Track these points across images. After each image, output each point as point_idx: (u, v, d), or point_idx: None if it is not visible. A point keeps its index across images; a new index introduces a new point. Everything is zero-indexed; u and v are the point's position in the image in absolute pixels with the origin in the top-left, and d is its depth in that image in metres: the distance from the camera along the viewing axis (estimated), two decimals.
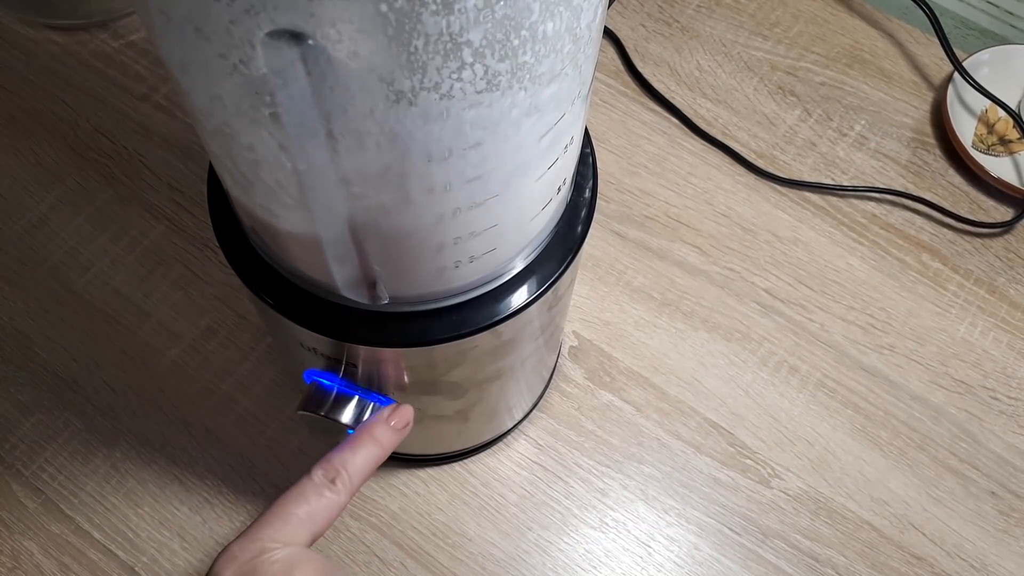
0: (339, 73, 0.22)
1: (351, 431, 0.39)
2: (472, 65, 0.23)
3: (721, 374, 0.58)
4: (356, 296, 0.34)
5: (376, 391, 0.40)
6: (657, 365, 0.58)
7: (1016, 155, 0.66)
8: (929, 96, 0.69)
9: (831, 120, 0.67)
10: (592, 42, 0.27)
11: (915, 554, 0.54)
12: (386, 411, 0.39)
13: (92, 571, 0.52)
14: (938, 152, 0.67)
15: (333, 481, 0.36)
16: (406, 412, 0.39)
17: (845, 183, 0.65)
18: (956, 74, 0.65)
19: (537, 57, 0.24)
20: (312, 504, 0.35)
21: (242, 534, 0.35)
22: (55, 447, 0.55)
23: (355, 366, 0.39)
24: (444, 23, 0.21)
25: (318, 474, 0.36)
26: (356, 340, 0.35)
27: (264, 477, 0.54)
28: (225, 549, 0.35)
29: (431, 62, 0.22)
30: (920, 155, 0.66)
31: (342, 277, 0.33)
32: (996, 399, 0.58)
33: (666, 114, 0.67)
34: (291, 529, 0.34)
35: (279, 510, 0.35)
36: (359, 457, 0.37)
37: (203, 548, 0.53)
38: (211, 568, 0.34)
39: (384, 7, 0.20)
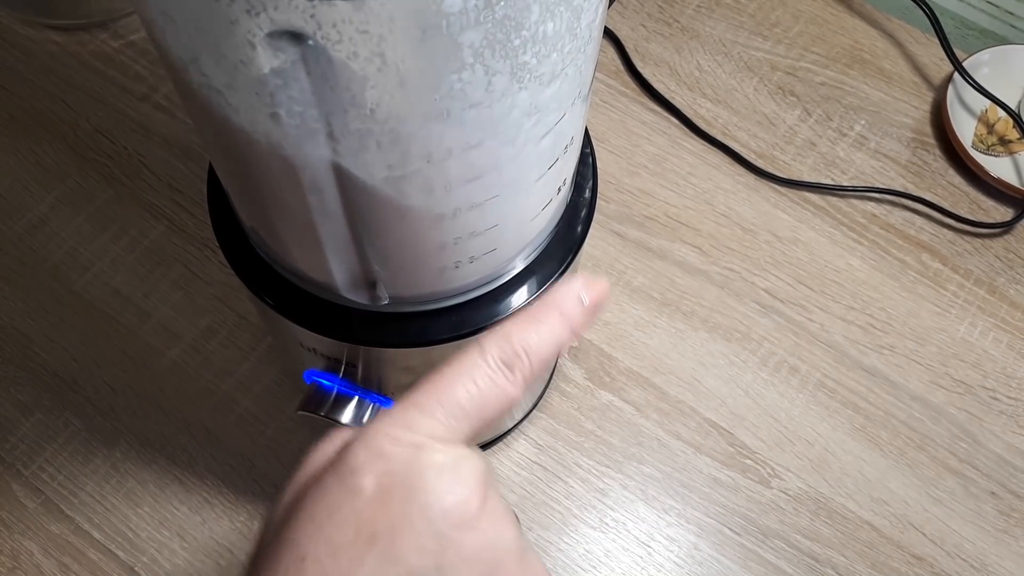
0: (339, 73, 0.22)
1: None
2: (472, 65, 0.23)
3: (721, 374, 0.58)
4: (356, 296, 0.34)
5: (376, 391, 0.40)
6: (657, 365, 0.58)
7: (1016, 155, 0.66)
8: (929, 96, 0.69)
9: (831, 120, 0.67)
10: (592, 42, 0.27)
11: (915, 554, 0.54)
12: (577, 283, 0.28)
13: (92, 571, 0.52)
14: (938, 152, 0.67)
15: (511, 366, 0.26)
16: (602, 286, 0.29)
17: (845, 183, 0.65)
18: (956, 74, 0.65)
19: (537, 57, 0.24)
20: (482, 389, 0.26)
21: (391, 419, 0.25)
22: (55, 447, 0.55)
23: (355, 366, 0.39)
24: (444, 23, 0.21)
25: (493, 351, 0.26)
26: (356, 340, 0.35)
27: (264, 477, 0.54)
28: (364, 436, 0.25)
29: (432, 62, 0.22)
30: (920, 155, 0.66)
31: (342, 277, 0.33)
32: (996, 399, 0.58)
33: (666, 114, 0.67)
34: (454, 422, 0.26)
35: (439, 392, 0.26)
36: (544, 338, 0.27)
37: (203, 548, 0.53)
38: (342, 457, 0.25)
39: (384, 7, 0.20)
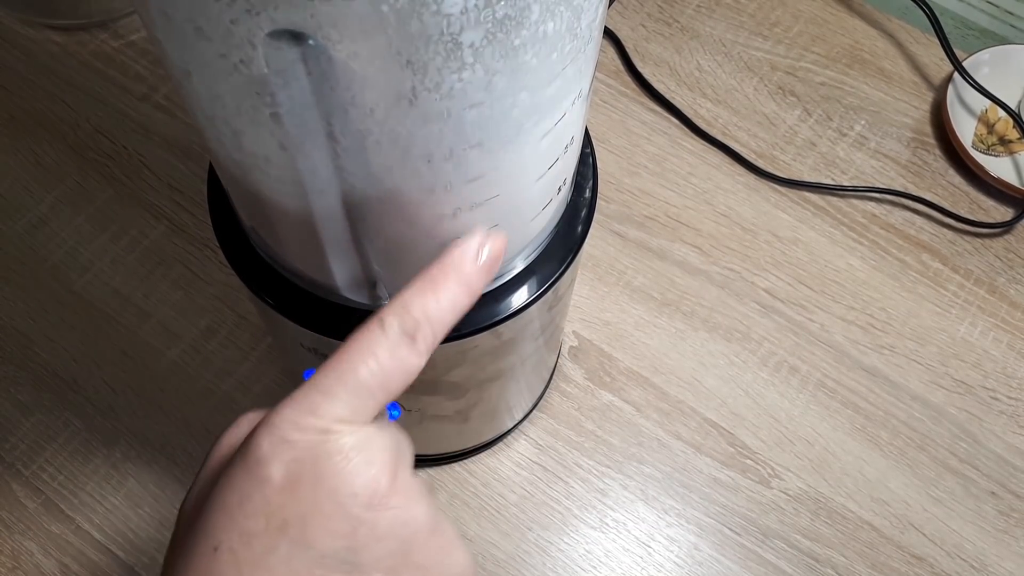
0: (339, 73, 0.22)
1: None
2: (473, 65, 0.23)
3: (721, 374, 0.58)
4: (356, 296, 0.34)
5: None
6: (657, 365, 0.58)
7: (1016, 155, 0.66)
8: (929, 96, 0.69)
9: (831, 120, 0.67)
10: (592, 42, 0.27)
11: (915, 554, 0.54)
12: (474, 241, 0.28)
13: (92, 571, 0.52)
14: (938, 152, 0.67)
15: (413, 336, 0.26)
16: (500, 241, 0.28)
17: (845, 183, 0.65)
18: (956, 74, 0.65)
19: (538, 57, 0.24)
20: (384, 365, 0.25)
21: (294, 404, 0.26)
22: (55, 447, 0.55)
23: None
24: (444, 23, 0.21)
25: (393, 324, 0.26)
26: None
27: None
28: (268, 424, 0.25)
29: (432, 62, 0.22)
30: (920, 155, 0.66)
31: (342, 277, 0.33)
32: (996, 399, 0.58)
33: (666, 114, 0.67)
34: (358, 401, 0.25)
35: (342, 373, 0.25)
36: (444, 304, 0.27)
37: None
38: (248, 446, 0.25)
39: (385, 7, 0.20)
